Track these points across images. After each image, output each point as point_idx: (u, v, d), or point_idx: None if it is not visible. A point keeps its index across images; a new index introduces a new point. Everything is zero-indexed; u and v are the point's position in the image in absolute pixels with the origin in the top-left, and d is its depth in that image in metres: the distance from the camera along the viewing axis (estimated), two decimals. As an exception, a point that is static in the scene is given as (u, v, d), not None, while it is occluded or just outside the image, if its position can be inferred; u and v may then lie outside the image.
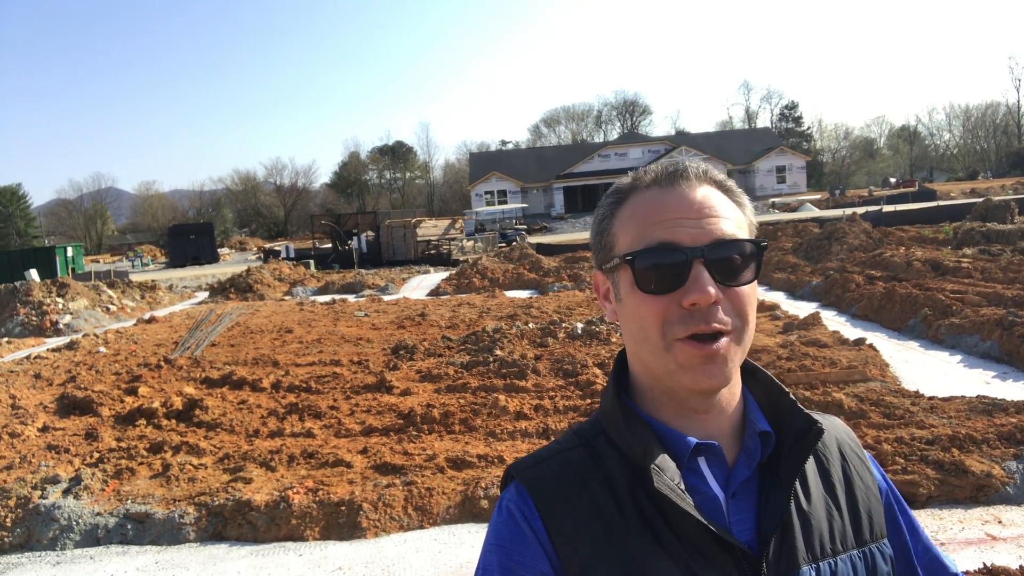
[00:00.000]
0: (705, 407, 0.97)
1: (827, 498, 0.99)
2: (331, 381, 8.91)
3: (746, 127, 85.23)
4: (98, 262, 51.19)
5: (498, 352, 9.59)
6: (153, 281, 25.41)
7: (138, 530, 5.30)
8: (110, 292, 20.99)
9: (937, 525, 4.52)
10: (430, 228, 36.28)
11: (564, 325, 11.16)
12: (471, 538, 4.90)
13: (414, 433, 6.77)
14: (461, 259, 30.14)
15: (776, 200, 53.05)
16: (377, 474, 5.82)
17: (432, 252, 33.49)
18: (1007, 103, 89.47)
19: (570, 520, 0.93)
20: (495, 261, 24.06)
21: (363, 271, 28.61)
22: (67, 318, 17.53)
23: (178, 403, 7.93)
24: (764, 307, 12.58)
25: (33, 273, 26.80)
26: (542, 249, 28.08)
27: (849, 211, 29.42)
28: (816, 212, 40.48)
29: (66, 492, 5.72)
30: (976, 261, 14.37)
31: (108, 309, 19.46)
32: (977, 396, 6.55)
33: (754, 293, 0.96)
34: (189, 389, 8.75)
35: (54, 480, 5.89)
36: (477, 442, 6.47)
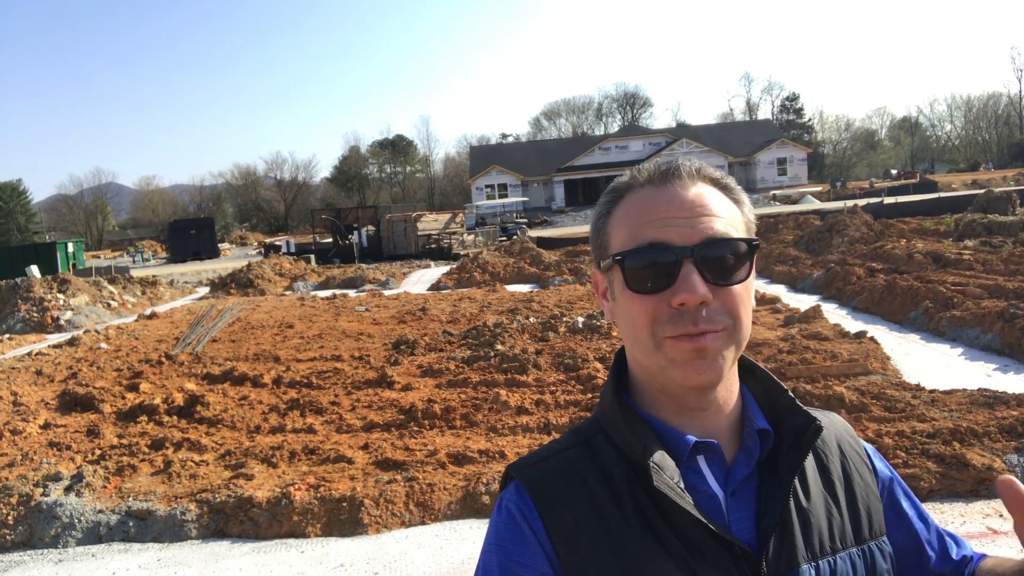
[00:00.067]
0: (701, 404, 0.96)
1: (826, 496, 0.99)
2: (332, 376, 8.91)
3: (747, 119, 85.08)
4: (99, 258, 51.22)
5: (499, 347, 9.59)
6: (154, 277, 25.41)
7: (140, 527, 5.31)
8: (111, 288, 21.00)
9: (938, 519, 4.52)
10: (430, 222, 36.23)
11: (565, 319, 11.16)
12: (473, 534, 4.90)
13: (415, 428, 6.77)
14: (462, 253, 30.13)
15: (777, 192, 52.93)
16: (378, 470, 5.82)
17: (433, 246, 33.45)
18: (1009, 94, 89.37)
19: (569, 519, 0.93)
20: (496, 255, 24.05)
21: (364, 266, 28.61)
22: (68, 314, 17.54)
23: (179, 399, 7.94)
24: (765, 300, 12.57)
25: (34, 269, 26.81)
26: (543, 243, 28.06)
27: (850, 203, 29.37)
28: (817, 204, 40.39)
29: (68, 489, 5.73)
30: (977, 253, 14.33)
31: (109, 305, 19.47)
32: (978, 389, 6.54)
33: (747, 292, 0.95)
34: (190, 385, 8.76)
35: (56, 477, 5.89)
36: (478, 437, 6.47)
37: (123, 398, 8.48)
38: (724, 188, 0.99)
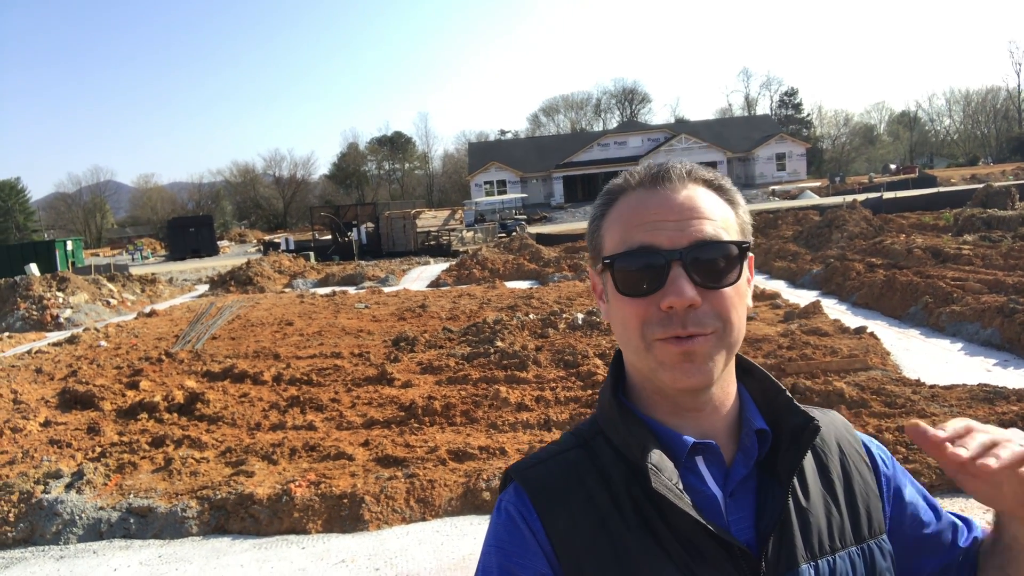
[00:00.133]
0: (697, 405, 0.97)
1: (826, 495, 0.98)
2: (332, 373, 8.92)
3: (745, 114, 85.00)
4: (98, 256, 51.21)
5: (499, 343, 9.59)
6: (153, 274, 25.40)
7: (141, 524, 5.32)
8: (110, 286, 20.99)
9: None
10: (430, 219, 36.25)
11: (565, 316, 11.16)
12: (473, 530, 4.91)
13: (415, 425, 6.78)
14: (461, 250, 30.12)
15: (776, 188, 52.92)
16: (379, 466, 5.83)
17: (432, 243, 33.46)
18: (1007, 88, 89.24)
19: (568, 521, 0.93)
20: (495, 252, 24.04)
21: (363, 263, 28.62)
22: (67, 312, 17.54)
23: (179, 397, 7.94)
24: (765, 296, 12.58)
25: (33, 267, 26.77)
26: (542, 239, 28.05)
27: (849, 198, 29.36)
28: (816, 199, 40.42)
29: (68, 487, 5.73)
30: (977, 248, 14.35)
31: (108, 303, 19.47)
32: (978, 384, 6.55)
33: (739, 294, 0.95)
34: (190, 383, 8.76)
35: (56, 475, 5.90)
36: (479, 434, 6.48)
37: (123, 396, 8.48)
38: (718, 189, 0.99)
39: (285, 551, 4.86)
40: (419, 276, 23.08)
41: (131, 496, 5.60)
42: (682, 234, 0.92)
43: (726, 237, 0.94)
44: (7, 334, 15.67)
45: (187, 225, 48.44)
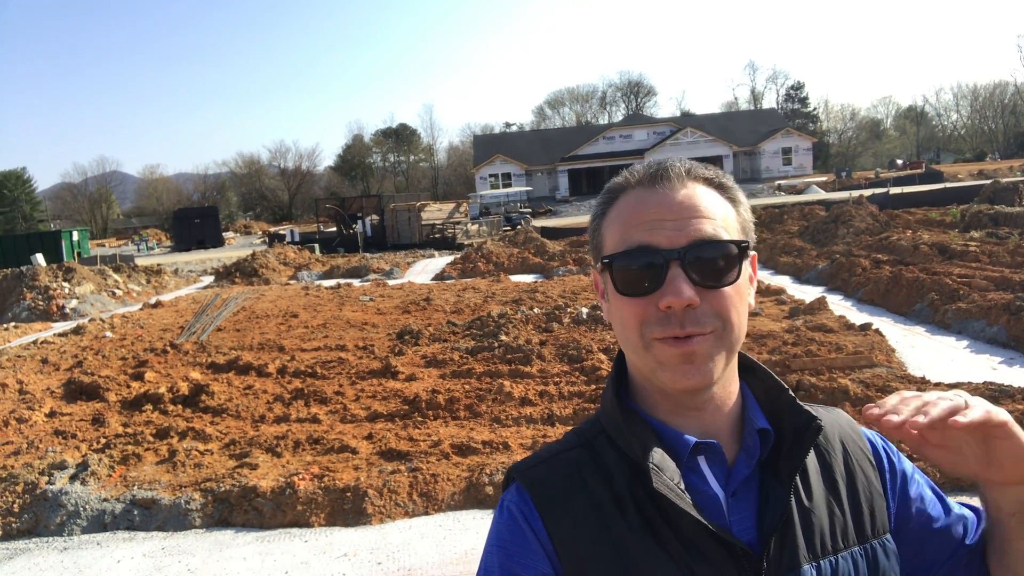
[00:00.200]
0: (698, 404, 0.96)
1: (829, 494, 0.98)
2: (336, 366, 8.92)
3: (751, 108, 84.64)
4: (103, 246, 51.28)
5: (503, 337, 9.59)
6: (159, 265, 25.46)
7: (145, 516, 5.34)
8: (116, 276, 21.04)
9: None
10: (434, 212, 36.22)
11: (569, 310, 11.15)
12: (476, 524, 4.91)
13: (419, 419, 6.78)
14: (466, 243, 30.10)
15: (782, 182, 52.73)
16: (382, 460, 5.84)
17: (437, 236, 33.44)
18: (1015, 83, 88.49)
19: (570, 520, 0.93)
20: (500, 245, 24.02)
21: (368, 255, 28.62)
22: (73, 303, 17.59)
23: (184, 388, 7.96)
24: (770, 291, 12.55)
25: (39, 257, 26.88)
26: (547, 233, 28.01)
27: (855, 193, 29.24)
28: (822, 194, 40.22)
29: (73, 478, 5.75)
30: (984, 245, 14.27)
31: (114, 294, 19.52)
32: (984, 382, 6.52)
33: (739, 294, 0.94)
34: (195, 374, 8.78)
35: (61, 466, 5.92)
36: (482, 428, 6.48)
37: (128, 387, 8.50)
38: (718, 187, 0.98)
39: (288, 544, 4.88)
40: (424, 269, 23.09)
41: (135, 488, 5.62)
42: (680, 233, 0.92)
43: (726, 236, 0.93)
44: (13, 324, 15.74)
45: (192, 216, 48.51)
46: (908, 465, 1.07)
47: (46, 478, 5.71)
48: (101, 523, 5.31)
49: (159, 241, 56.90)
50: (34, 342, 12.41)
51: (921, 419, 0.85)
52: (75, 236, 37.40)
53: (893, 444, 1.09)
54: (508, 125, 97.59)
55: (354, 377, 8.42)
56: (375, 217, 36.27)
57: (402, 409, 7.07)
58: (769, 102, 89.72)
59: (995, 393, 6.12)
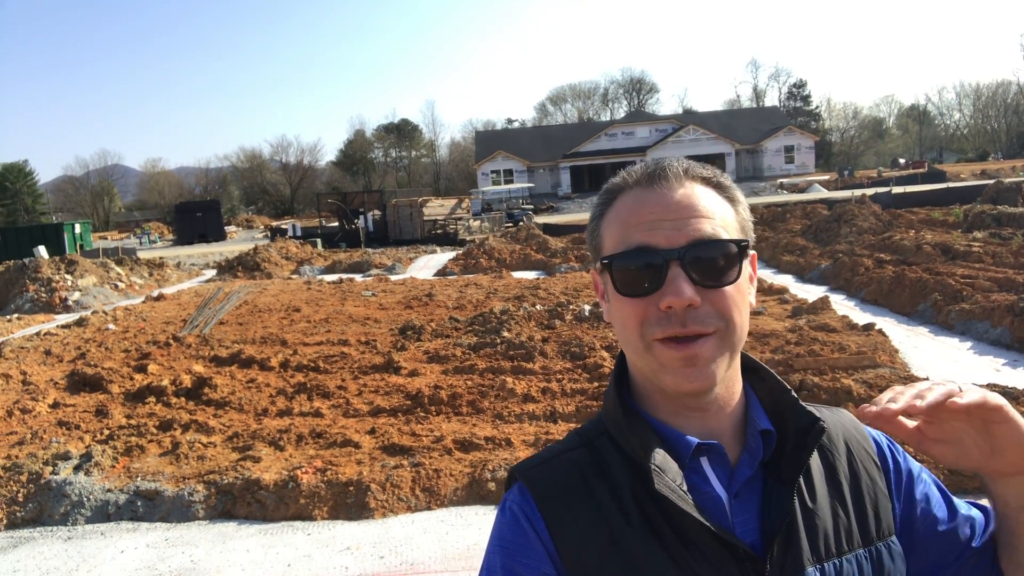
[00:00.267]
0: (700, 405, 0.96)
1: (833, 496, 0.97)
2: (339, 361, 8.94)
3: (754, 106, 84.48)
4: (105, 239, 51.39)
5: (505, 334, 9.60)
6: (161, 258, 25.48)
7: (148, 507, 5.35)
8: (118, 269, 21.07)
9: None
10: (436, 207, 36.12)
11: (571, 307, 11.15)
12: (478, 520, 4.93)
13: (422, 414, 6.79)
14: (468, 239, 30.07)
15: (784, 181, 52.63)
16: (385, 455, 5.85)
17: (439, 232, 33.39)
18: (1018, 82, 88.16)
19: (572, 521, 0.93)
20: (502, 241, 24.01)
21: (370, 250, 28.64)
22: (76, 295, 17.62)
23: (187, 381, 7.98)
24: (773, 290, 12.54)
25: (42, 250, 26.87)
26: (549, 229, 27.99)
27: (858, 192, 29.19)
28: (825, 193, 40.15)
29: (77, 468, 5.77)
30: (987, 245, 14.24)
31: (116, 286, 19.54)
32: (987, 384, 6.52)
33: (740, 293, 0.94)
34: (198, 367, 8.79)
35: (65, 456, 5.94)
36: (484, 424, 6.49)
37: (131, 379, 8.52)
38: (716, 186, 0.98)
39: (291, 537, 4.89)
40: (426, 264, 23.09)
41: (138, 479, 5.64)
42: (679, 233, 0.91)
43: (725, 235, 0.93)
44: (16, 316, 15.77)
45: (194, 210, 48.52)
46: (915, 465, 1.07)
47: (50, 468, 5.73)
48: (105, 513, 5.33)
49: (161, 234, 56.92)
50: (37, 334, 12.43)
51: (919, 403, 0.85)
52: (77, 229, 37.39)
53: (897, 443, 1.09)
54: (510, 121, 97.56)
55: (356, 372, 8.43)
56: (377, 212, 36.26)
57: (404, 404, 7.08)
58: (771, 100, 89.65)
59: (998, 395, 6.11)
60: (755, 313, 10.41)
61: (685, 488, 0.91)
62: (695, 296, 0.89)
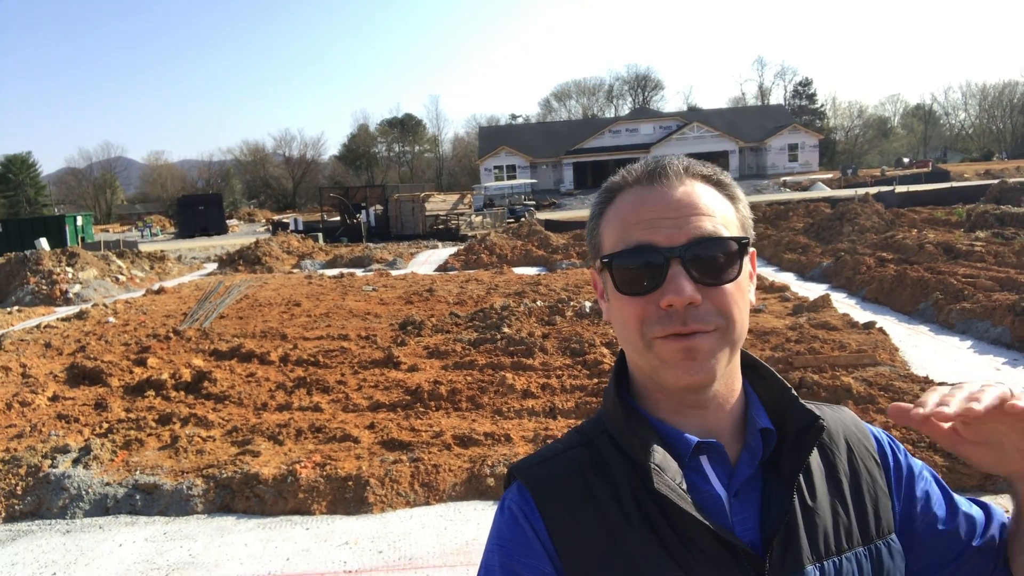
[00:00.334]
0: (700, 402, 0.96)
1: (832, 494, 0.97)
2: (339, 356, 8.94)
3: (759, 104, 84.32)
4: (107, 231, 51.36)
5: (506, 330, 9.59)
6: (162, 252, 25.50)
7: (147, 501, 5.36)
8: (119, 262, 21.08)
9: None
10: (439, 203, 36.13)
11: (572, 303, 11.14)
12: (477, 515, 4.92)
13: (421, 409, 6.79)
14: (469, 234, 30.07)
15: (788, 179, 52.52)
16: (384, 450, 5.85)
17: (440, 227, 33.40)
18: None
19: (572, 520, 0.93)
20: (503, 237, 23.99)
21: (371, 245, 28.62)
22: (77, 287, 17.63)
23: (187, 375, 7.98)
24: (774, 288, 12.53)
25: (43, 242, 26.88)
26: (551, 226, 27.95)
27: (861, 191, 29.14)
28: (828, 192, 40.08)
29: (76, 462, 5.78)
30: (989, 245, 14.21)
31: (117, 279, 19.55)
32: (987, 382, 6.50)
33: (740, 290, 0.94)
34: (198, 361, 8.80)
35: (64, 449, 5.95)
36: (484, 420, 6.49)
37: (131, 372, 8.52)
38: (716, 184, 0.98)
39: (289, 531, 4.89)
40: (427, 260, 23.08)
41: (137, 473, 5.64)
42: (680, 231, 0.91)
43: (725, 233, 0.93)
44: (16, 308, 15.78)
45: (196, 203, 48.50)
46: (916, 462, 1.06)
47: (49, 461, 5.73)
48: (103, 507, 5.33)
49: (163, 227, 56.94)
50: (37, 326, 12.44)
51: (976, 406, 0.82)
52: (79, 221, 37.42)
53: (932, 443, 1.08)
54: (514, 117, 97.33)
55: (356, 366, 8.43)
56: (379, 207, 36.24)
57: (404, 399, 7.08)
58: (776, 98, 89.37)
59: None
60: (755, 311, 10.40)
61: (685, 487, 0.91)
62: (695, 294, 0.89)
